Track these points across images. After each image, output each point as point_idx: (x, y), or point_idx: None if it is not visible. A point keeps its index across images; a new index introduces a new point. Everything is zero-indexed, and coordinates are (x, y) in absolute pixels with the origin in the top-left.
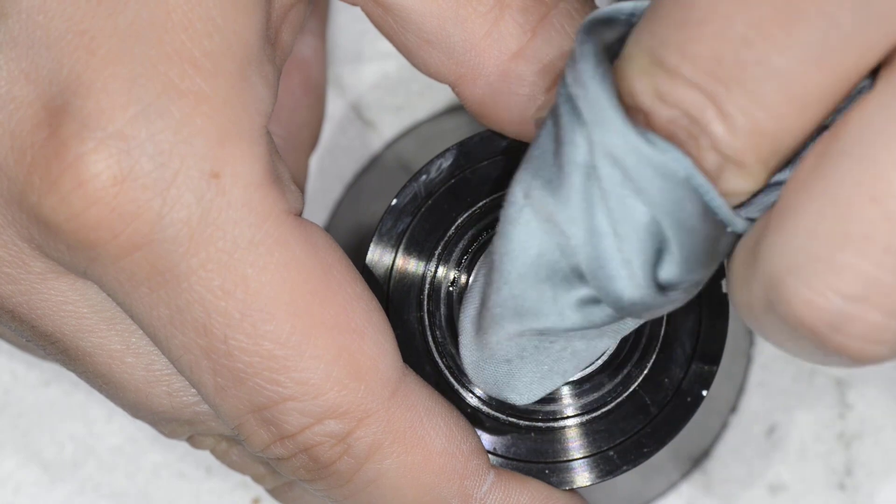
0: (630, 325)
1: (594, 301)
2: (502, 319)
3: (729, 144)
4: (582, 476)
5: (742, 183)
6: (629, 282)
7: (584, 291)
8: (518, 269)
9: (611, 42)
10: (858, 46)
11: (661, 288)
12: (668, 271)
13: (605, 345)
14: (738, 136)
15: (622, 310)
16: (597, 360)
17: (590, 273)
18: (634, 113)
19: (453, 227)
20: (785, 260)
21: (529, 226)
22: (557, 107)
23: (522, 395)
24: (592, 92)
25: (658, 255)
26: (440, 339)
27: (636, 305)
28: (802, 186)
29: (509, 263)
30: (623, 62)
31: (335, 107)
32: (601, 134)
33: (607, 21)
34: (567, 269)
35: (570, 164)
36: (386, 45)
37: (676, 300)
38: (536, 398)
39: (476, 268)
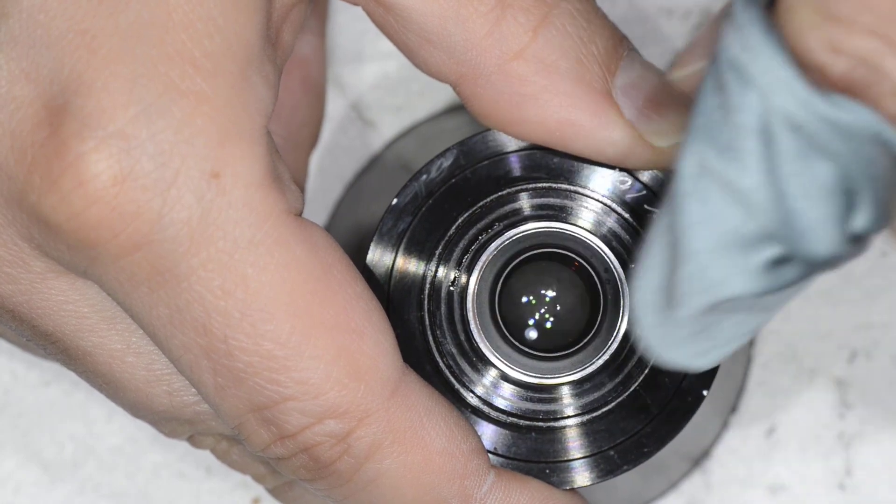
0: (821, 274)
1: (784, 260)
2: (691, 296)
3: None
4: (582, 476)
5: None
6: (823, 239)
7: (772, 251)
8: (702, 243)
9: None
10: None
11: (855, 239)
12: (862, 222)
13: (791, 297)
14: None
15: (817, 266)
16: (598, 359)
17: (780, 234)
18: (806, 69)
19: (454, 227)
20: None
21: (709, 196)
22: (720, 74)
23: (699, 362)
24: (766, 58)
25: (848, 208)
26: (440, 339)
27: (831, 261)
28: None
29: (692, 237)
30: (786, 16)
31: (335, 107)
32: (780, 100)
33: None
34: (753, 232)
35: (745, 130)
36: (386, 45)
37: (867, 247)
38: (718, 361)
39: (651, 236)
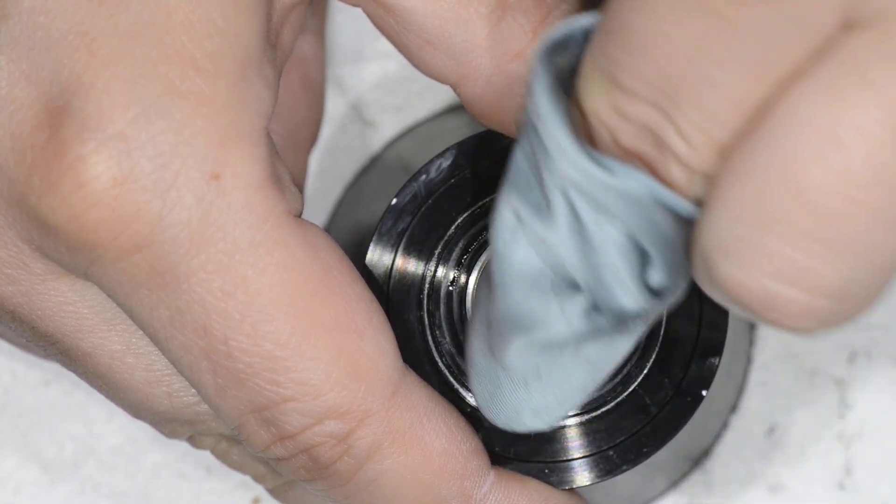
0: (640, 328)
1: (598, 308)
2: (510, 334)
3: (691, 159)
4: (582, 476)
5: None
6: (625, 295)
7: (587, 300)
8: (520, 287)
9: (567, 64)
10: (790, 50)
11: (656, 293)
12: (656, 279)
13: (619, 350)
14: (697, 150)
15: (625, 318)
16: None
17: (588, 289)
18: (600, 132)
19: (453, 227)
20: (715, 240)
21: (526, 247)
22: (528, 133)
23: (544, 418)
24: (549, 126)
25: (644, 265)
26: (440, 339)
27: (637, 314)
28: (731, 170)
29: (511, 282)
30: (583, 82)
31: (335, 107)
32: (563, 166)
33: (563, 42)
34: (567, 282)
35: (551, 191)
36: (386, 45)
37: (675, 297)
38: (558, 420)
39: (473, 300)
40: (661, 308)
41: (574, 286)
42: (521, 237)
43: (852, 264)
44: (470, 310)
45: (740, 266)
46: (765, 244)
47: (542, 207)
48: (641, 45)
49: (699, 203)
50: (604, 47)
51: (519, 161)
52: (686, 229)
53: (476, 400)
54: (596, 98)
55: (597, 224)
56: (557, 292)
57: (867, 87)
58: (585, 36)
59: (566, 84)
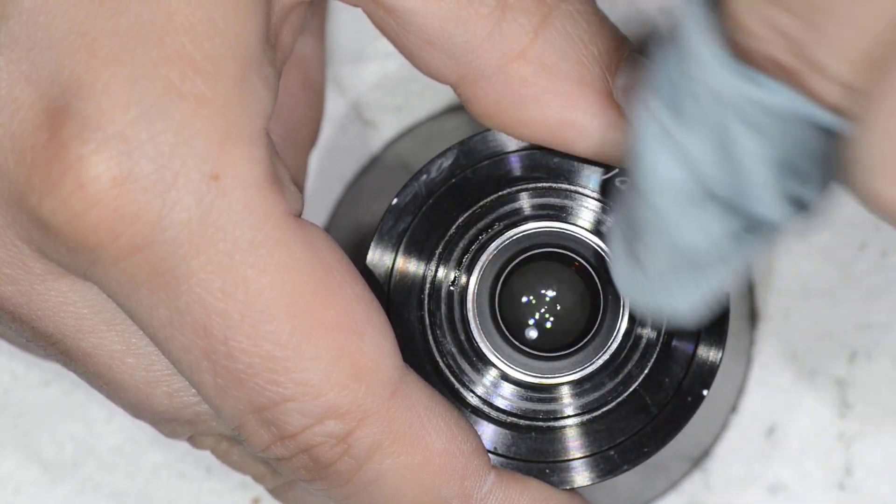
0: (775, 234)
1: (735, 213)
2: (653, 241)
3: (838, 72)
4: (582, 476)
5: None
6: (766, 206)
7: (735, 222)
8: (663, 196)
9: None
10: None
11: (800, 206)
12: (798, 191)
13: (753, 251)
14: (845, 63)
15: (768, 231)
16: (598, 359)
17: (729, 199)
18: (745, 41)
19: (454, 227)
20: (866, 156)
21: (670, 156)
22: (676, 39)
23: (682, 304)
24: (697, 38)
25: (790, 175)
26: (441, 339)
27: (777, 224)
28: (883, 86)
29: (654, 190)
30: None
31: (335, 107)
32: (711, 78)
33: None
34: (709, 193)
35: (695, 99)
36: (386, 45)
37: (817, 210)
38: (696, 306)
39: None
40: (804, 219)
41: (715, 198)
42: (666, 146)
43: None
44: (472, 309)
45: (883, 181)
46: None
47: (684, 116)
48: None
49: (842, 113)
50: None
51: (664, 66)
52: (830, 141)
53: (616, 284)
54: (746, 10)
55: (740, 135)
56: (700, 204)
57: None
58: None
59: None
